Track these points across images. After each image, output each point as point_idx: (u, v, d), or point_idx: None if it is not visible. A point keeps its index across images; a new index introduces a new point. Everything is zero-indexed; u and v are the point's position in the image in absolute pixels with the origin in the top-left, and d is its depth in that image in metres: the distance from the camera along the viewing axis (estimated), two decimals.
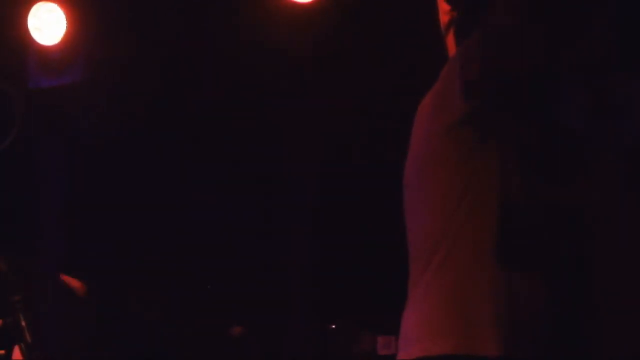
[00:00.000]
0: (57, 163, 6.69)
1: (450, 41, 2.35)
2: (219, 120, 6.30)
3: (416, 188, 2.22)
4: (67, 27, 6.36)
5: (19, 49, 6.37)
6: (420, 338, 2.07)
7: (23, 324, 2.28)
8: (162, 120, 6.41)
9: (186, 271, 6.16)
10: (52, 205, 6.58)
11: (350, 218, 5.84)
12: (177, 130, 6.40)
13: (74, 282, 3.76)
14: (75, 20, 6.41)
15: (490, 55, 2.13)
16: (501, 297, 2.02)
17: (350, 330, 5.44)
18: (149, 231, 6.30)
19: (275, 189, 6.24)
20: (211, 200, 6.28)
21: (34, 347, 2.34)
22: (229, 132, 6.27)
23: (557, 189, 2.12)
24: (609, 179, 2.19)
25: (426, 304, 2.10)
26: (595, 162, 2.19)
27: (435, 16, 2.37)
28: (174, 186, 6.36)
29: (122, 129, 6.48)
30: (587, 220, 2.13)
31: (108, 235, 6.33)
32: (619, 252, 2.14)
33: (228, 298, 6.05)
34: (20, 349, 2.34)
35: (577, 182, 2.15)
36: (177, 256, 6.18)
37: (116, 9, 6.19)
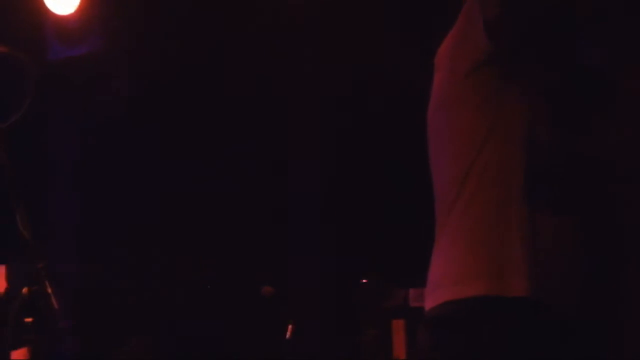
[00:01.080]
0: (71, 134, 6.70)
1: None
2: (233, 91, 6.27)
3: (440, 132, 2.19)
4: None
5: (34, 19, 6.35)
6: (448, 282, 2.05)
7: (49, 290, 2.28)
8: (177, 90, 6.39)
9: (215, 234, 6.16)
10: (64, 177, 6.62)
11: (379, 171, 5.82)
12: (193, 101, 6.37)
13: None
14: None
15: None
16: (529, 240, 1.99)
17: (381, 285, 5.42)
18: (166, 201, 6.31)
19: (302, 143, 6.23)
20: (231, 166, 6.27)
21: (60, 314, 2.34)
22: (245, 102, 6.25)
23: (582, 133, 2.09)
24: (634, 123, 2.15)
25: (453, 248, 2.07)
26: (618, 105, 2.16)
27: None
28: (188, 158, 6.35)
29: (138, 99, 6.48)
30: (613, 166, 2.10)
31: (121, 206, 6.35)
32: None
33: (258, 258, 6.05)
34: (47, 317, 2.35)
35: (601, 126, 2.11)
36: (203, 221, 6.19)
37: None
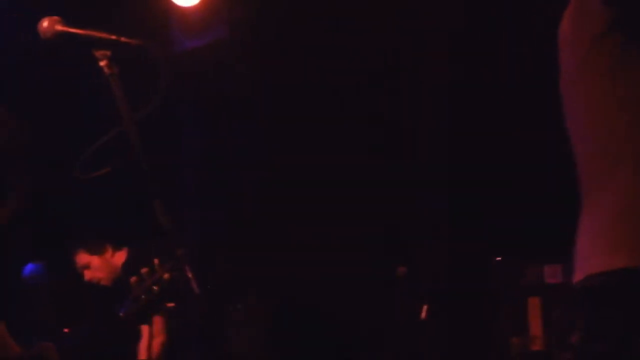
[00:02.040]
0: (198, 123, 6.82)
1: None
2: (360, 82, 6.28)
3: (574, 106, 2.15)
4: None
5: (160, 12, 6.48)
6: (596, 253, 2.01)
7: (190, 275, 2.32)
8: (299, 78, 6.42)
9: (350, 215, 6.18)
10: (192, 165, 6.74)
11: (511, 147, 5.74)
12: (317, 89, 6.39)
13: None
14: None
15: None
16: None
17: (516, 262, 5.36)
18: (298, 185, 6.36)
19: (432, 123, 6.20)
20: (360, 151, 6.28)
21: (202, 299, 2.38)
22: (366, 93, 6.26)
23: None
24: None
25: (600, 219, 2.03)
26: None
27: None
28: (313, 144, 6.37)
29: (264, 87, 6.54)
30: None
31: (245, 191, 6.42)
32: None
33: (393, 239, 6.05)
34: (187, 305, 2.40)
35: None
36: (338, 204, 6.22)
37: None
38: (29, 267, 6.29)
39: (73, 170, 2.60)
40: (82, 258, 5.58)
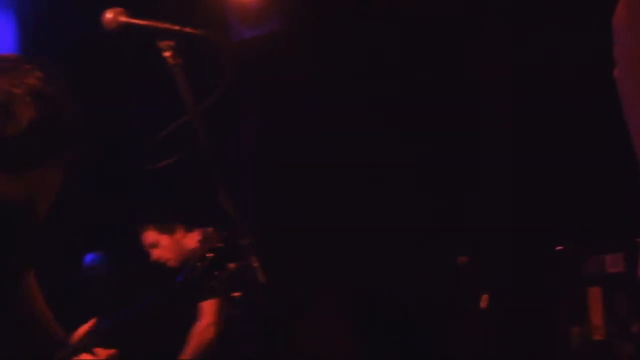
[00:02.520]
0: (255, 112, 6.83)
1: None
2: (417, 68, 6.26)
3: (633, 93, 2.12)
4: None
5: (219, 3, 6.51)
6: None
7: (255, 265, 2.33)
8: (359, 66, 6.41)
9: (412, 204, 6.17)
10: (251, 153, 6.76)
11: (569, 137, 5.69)
12: (379, 78, 6.38)
13: None
14: None
15: None
16: None
17: (577, 252, 5.31)
18: (360, 172, 6.36)
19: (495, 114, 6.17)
20: (416, 138, 6.26)
21: (267, 288, 2.39)
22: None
23: None
24: None
25: None
26: None
27: None
28: (367, 130, 6.36)
29: (321, 78, 6.54)
30: None
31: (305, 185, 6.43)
32: None
33: (454, 228, 6.03)
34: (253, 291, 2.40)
35: None
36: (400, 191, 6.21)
37: None
38: (89, 257, 6.32)
39: (139, 160, 2.62)
40: (151, 236, 5.46)
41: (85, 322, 2.80)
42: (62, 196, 2.49)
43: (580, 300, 5.28)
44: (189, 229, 5.43)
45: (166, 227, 5.45)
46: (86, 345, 2.67)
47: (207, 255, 3.00)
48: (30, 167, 2.41)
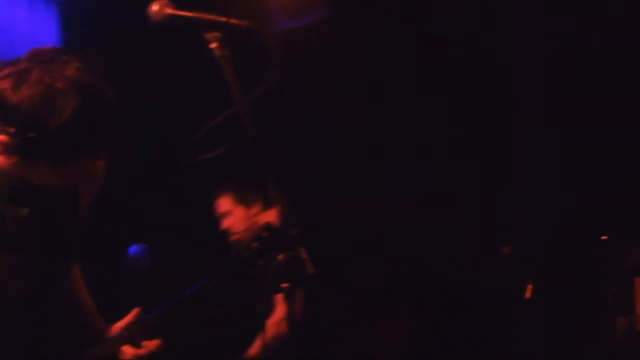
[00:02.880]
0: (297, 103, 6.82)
1: None
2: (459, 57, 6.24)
3: None
4: None
5: None
6: None
7: (303, 256, 2.33)
8: (401, 56, 6.39)
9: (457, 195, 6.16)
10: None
11: (615, 124, 5.65)
12: (423, 67, 6.36)
13: None
14: None
15: None
16: None
17: (622, 241, 5.27)
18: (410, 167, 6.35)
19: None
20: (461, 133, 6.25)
21: (315, 279, 2.39)
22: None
23: None
24: None
25: None
26: None
27: None
28: (413, 120, 6.35)
29: (362, 65, 6.52)
30: None
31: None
32: None
33: (497, 217, 6.00)
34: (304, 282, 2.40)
35: None
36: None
37: None
38: (133, 249, 6.34)
39: (186, 152, 2.63)
40: (227, 204, 5.28)
41: (128, 314, 2.82)
42: (106, 187, 2.51)
43: (626, 290, 5.25)
44: (267, 207, 5.12)
45: (244, 198, 5.26)
46: (129, 336, 2.68)
47: (252, 245, 3.01)
48: (73, 159, 2.43)
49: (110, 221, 5.73)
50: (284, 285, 2.44)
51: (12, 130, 2.35)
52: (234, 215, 5.25)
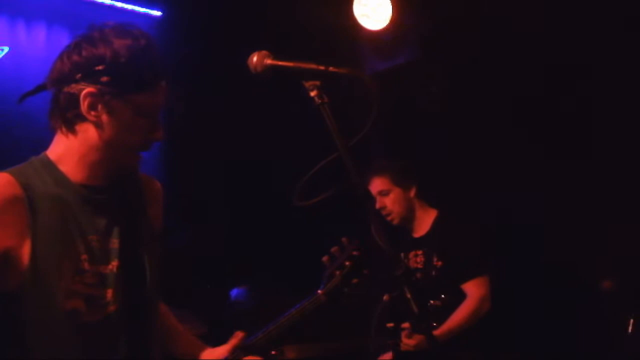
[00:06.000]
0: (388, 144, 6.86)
1: None
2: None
3: None
4: (393, 9, 6.52)
5: (350, 37, 6.60)
6: None
7: (408, 296, 2.36)
8: (494, 94, 6.40)
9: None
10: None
11: None
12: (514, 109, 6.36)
13: None
14: (400, 1, 6.56)
15: None
16: None
17: None
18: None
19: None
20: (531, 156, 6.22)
21: (421, 318, 2.42)
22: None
23: None
24: None
25: None
26: None
27: None
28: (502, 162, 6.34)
29: (453, 103, 6.55)
30: None
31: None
32: None
33: (598, 251, 5.94)
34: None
35: None
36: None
37: None
38: (235, 291, 6.45)
39: (292, 198, 2.69)
40: (384, 184, 5.35)
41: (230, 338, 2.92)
42: (213, 231, 2.59)
43: None
44: (425, 199, 5.39)
45: (402, 181, 5.37)
46: (233, 358, 2.78)
47: (346, 263, 3.09)
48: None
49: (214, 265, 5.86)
50: (389, 325, 2.49)
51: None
52: (392, 195, 5.35)
